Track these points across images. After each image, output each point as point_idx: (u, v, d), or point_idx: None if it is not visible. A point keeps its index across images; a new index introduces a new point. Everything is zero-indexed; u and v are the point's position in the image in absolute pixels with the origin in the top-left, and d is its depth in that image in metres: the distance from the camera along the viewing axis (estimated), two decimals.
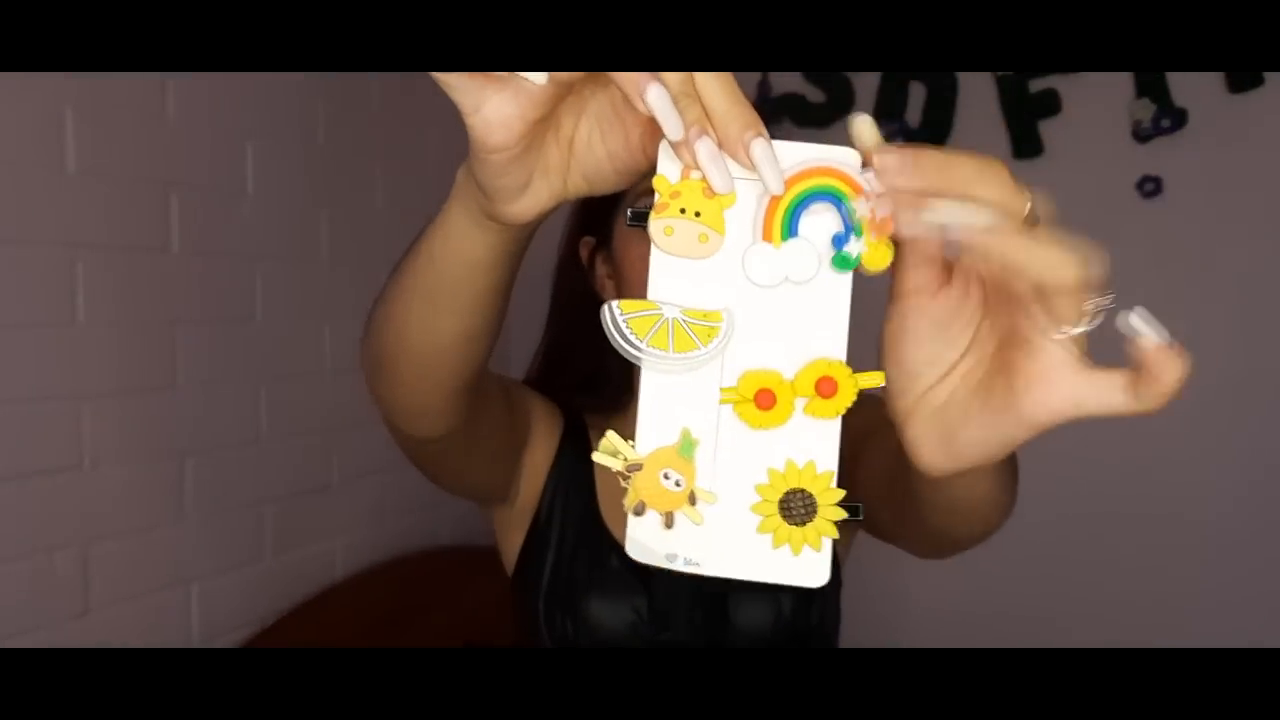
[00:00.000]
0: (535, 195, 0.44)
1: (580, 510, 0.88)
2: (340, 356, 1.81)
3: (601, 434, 0.91)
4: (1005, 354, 0.40)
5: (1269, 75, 1.79)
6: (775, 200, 0.37)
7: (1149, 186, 1.88)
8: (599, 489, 0.90)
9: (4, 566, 1.28)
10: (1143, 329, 0.38)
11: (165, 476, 1.50)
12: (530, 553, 0.89)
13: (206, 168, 1.56)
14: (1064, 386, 0.39)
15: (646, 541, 0.40)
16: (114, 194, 1.41)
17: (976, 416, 0.40)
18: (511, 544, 0.91)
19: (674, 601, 0.85)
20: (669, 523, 0.40)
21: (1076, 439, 1.98)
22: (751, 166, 0.37)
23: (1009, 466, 0.55)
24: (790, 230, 0.38)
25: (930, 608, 2.00)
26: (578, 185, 0.45)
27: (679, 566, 0.40)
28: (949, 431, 0.41)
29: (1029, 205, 0.39)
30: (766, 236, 0.38)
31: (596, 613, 0.84)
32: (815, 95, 2.08)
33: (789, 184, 0.37)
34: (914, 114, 2.02)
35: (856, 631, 1.03)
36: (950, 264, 0.40)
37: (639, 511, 0.40)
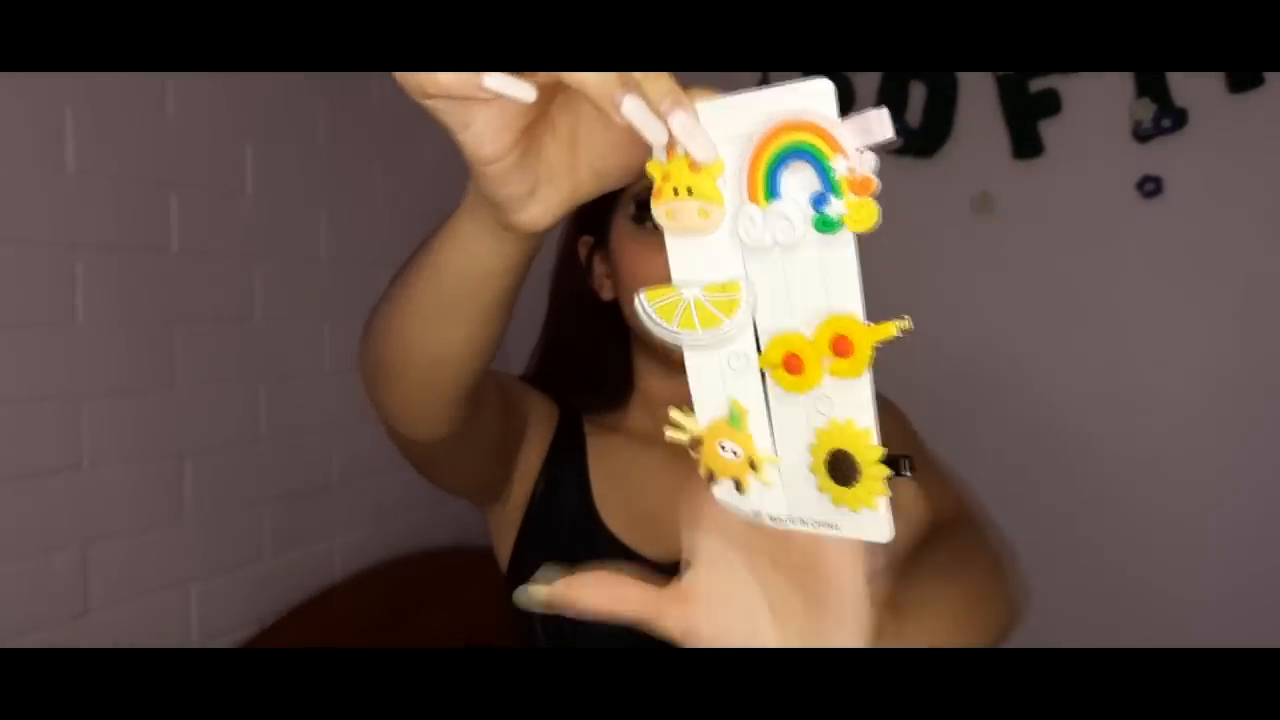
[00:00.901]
0: (544, 201, 0.44)
1: (574, 507, 0.88)
2: (340, 356, 1.81)
3: (600, 431, 0.91)
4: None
5: (1269, 75, 1.79)
6: (755, 161, 0.36)
7: (1149, 186, 1.88)
8: (594, 485, 0.89)
9: (4, 566, 1.28)
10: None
11: (165, 476, 1.50)
12: (523, 551, 0.88)
13: (206, 167, 1.56)
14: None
15: (733, 502, 0.41)
16: (114, 194, 1.41)
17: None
18: (505, 543, 0.91)
19: None
20: (742, 488, 0.40)
21: (1077, 439, 1.98)
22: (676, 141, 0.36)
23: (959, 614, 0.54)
24: (772, 190, 0.36)
25: None
26: (588, 183, 0.44)
27: (766, 523, 0.41)
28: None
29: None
30: (752, 198, 0.37)
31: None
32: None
33: (764, 142, 0.36)
34: (914, 114, 2.02)
35: None
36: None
37: (712, 479, 0.41)
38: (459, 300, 0.54)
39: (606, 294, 0.91)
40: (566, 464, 0.89)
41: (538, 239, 0.49)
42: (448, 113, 0.39)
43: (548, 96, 0.40)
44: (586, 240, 0.93)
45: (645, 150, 0.39)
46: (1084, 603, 1.94)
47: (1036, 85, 1.93)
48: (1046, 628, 1.87)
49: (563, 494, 0.88)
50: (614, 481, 0.88)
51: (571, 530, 0.87)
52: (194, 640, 1.54)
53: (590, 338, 0.94)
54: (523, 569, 0.88)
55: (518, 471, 0.88)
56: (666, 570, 0.83)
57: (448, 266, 0.52)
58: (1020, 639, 2.04)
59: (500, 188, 0.42)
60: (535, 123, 0.41)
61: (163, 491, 1.49)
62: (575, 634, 0.84)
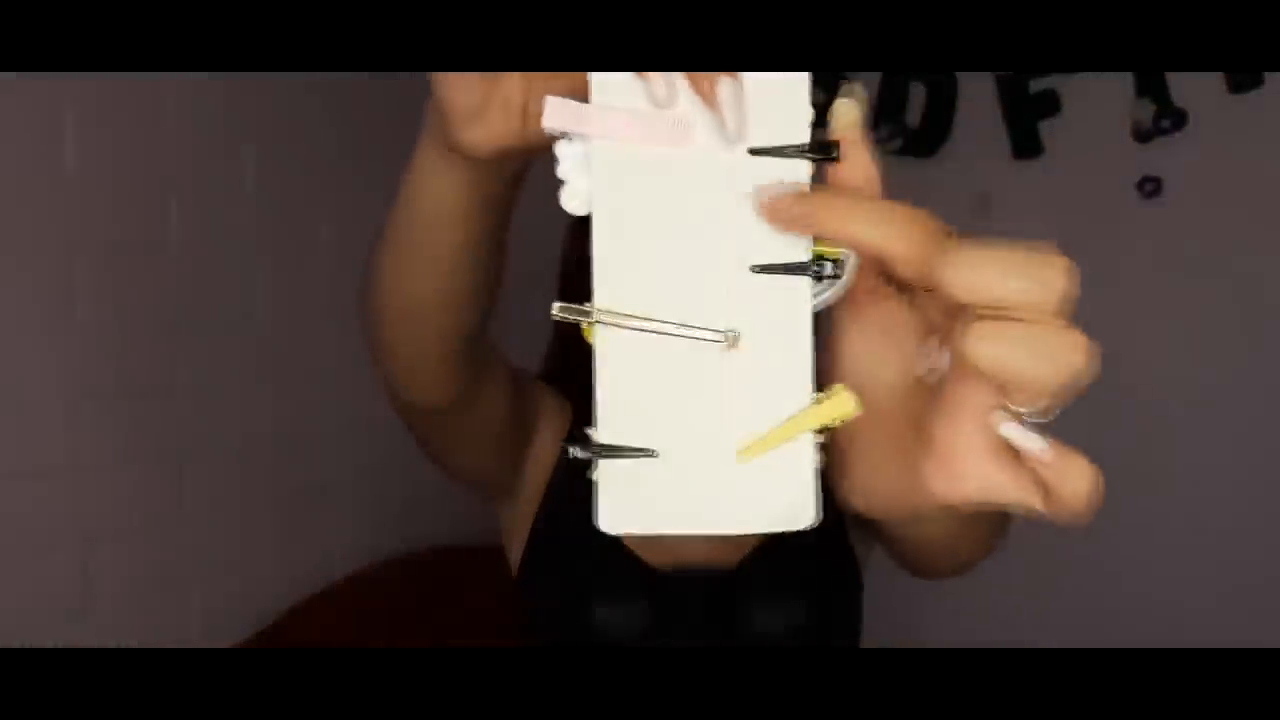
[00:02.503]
0: (490, 126, 0.43)
1: (587, 509, 0.87)
2: (340, 357, 1.81)
3: None
4: (930, 410, 0.35)
5: (1269, 75, 1.79)
6: None
7: (1149, 187, 1.88)
8: None
9: (4, 566, 1.28)
10: (1017, 440, 0.32)
11: (165, 476, 1.50)
12: (534, 552, 0.88)
13: (206, 168, 1.56)
14: (977, 472, 0.34)
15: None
16: (113, 194, 1.41)
17: (887, 468, 0.37)
18: (517, 542, 0.90)
19: (680, 606, 0.83)
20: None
21: (1076, 439, 1.98)
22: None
23: (970, 523, 0.51)
24: None
25: (954, 610, 1.99)
26: (535, 128, 0.42)
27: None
28: (865, 474, 0.38)
29: (1061, 295, 0.30)
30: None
31: (600, 616, 0.82)
32: (815, 95, 2.08)
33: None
34: (914, 114, 2.02)
35: (880, 639, 1.01)
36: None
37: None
38: (425, 237, 0.53)
39: None
40: (580, 464, 0.88)
41: (491, 178, 0.49)
42: None
43: None
44: None
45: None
46: (1083, 602, 1.94)
47: (1036, 85, 1.93)
48: (1046, 628, 1.88)
49: (574, 494, 0.88)
50: None
51: (580, 531, 0.86)
52: (194, 640, 1.54)
53: None
54: (535, 569, 0.88)
55: (530, 469, 0.88)
56: (666, 578, 0.84)
57: (411, 197, 0.52)
58: (1020, 639, 2.05)
59: (456, 91, 0.42)
60: None
61: (163, 491, 1.49)
62: (582, 637, 0.83)
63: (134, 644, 1.43)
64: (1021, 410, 0.32)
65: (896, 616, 1.92)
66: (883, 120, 2.01)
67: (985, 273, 0.30)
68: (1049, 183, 1.94)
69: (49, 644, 1.32)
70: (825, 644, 0.84)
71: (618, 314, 0.35)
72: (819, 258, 0.35)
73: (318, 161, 1.78)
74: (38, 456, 1.32)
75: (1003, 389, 0.32)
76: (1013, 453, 0.33)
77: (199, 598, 1.55)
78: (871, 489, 0.38)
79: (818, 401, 0.35)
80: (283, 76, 1.67)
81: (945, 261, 0.31)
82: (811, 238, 0.35)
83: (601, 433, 0.36)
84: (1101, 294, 1.91)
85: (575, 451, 0.36)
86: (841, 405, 0.35)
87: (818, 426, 0.35)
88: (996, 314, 0.30)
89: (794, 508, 0.36)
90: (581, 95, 0.36)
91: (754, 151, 0.35)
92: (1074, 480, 0.32)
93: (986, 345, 0.30)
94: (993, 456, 0.33)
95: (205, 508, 1.55)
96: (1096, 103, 1.89)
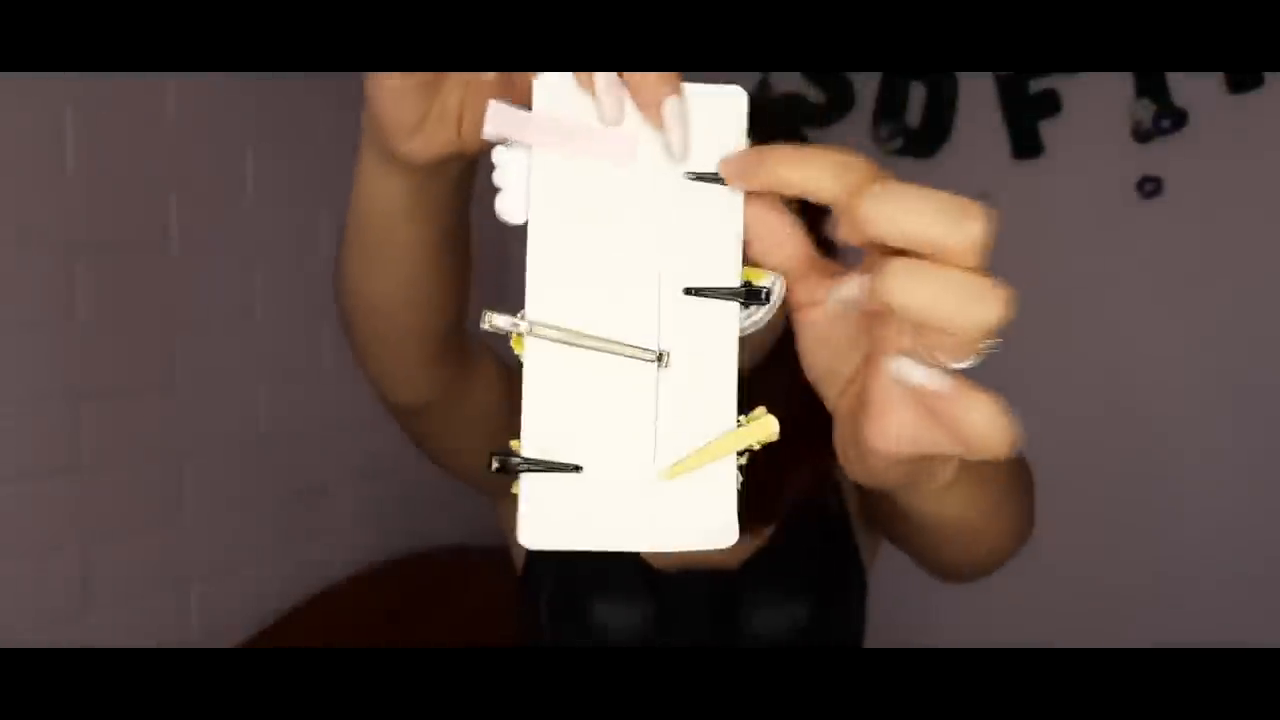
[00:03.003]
0: (428, 137, 0.43)
1: None
2: (340, 356, 1.81)
3: None
4: (867, 372, 0.36)
5: (1269, 76, 1.79)
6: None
7: (1149, 187, 1.88)
8: None
9: (4, 566, 1.28)
10: (912, 376, 0.33)
11: (165, 477, 1.50)
12: (536, 551, 0.88)
13: (206, 168, 1.56)
14: (901, 423, 0.35)
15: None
16: (114, 194, 1.41)
17: (849, 440, 0.38)
18: (518, 540, 0.90)
19: (681, 607, 0.83)
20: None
21: (1076, 439, 1.98)
22: (660, 125, 0.35)
23: (986, 497, 0.51)
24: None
25: (958, 611, 1.99)
26: (472, 135, 0.44)
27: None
28: (843, 449, 0.39)
29: (976, 241, 0.31)
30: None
31: (600, 616, 0.82)
32: (815, 95, 2.08)
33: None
34: (914, 114, 2.02)
35: (884, 641, 1.00)
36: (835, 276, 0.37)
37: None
38: (378, 239, 0.53)
39: None
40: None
41: (441, 183, 0.49)
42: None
43: None
44: None
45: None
46: (1083, 602, 1.94)
47: (1036, 86, 1.93)
48: (1046, 627, 1.88)
49: (489, 462, 0.86)
50: None
51: None
52: (194, 640, 1.54)
53: None
54: (537, 568, 0.88)
55: None
56: (667, 578, 0.83)
57: (360, 202, 0.52)
58: (1021, 638, 2.04)
59: (391, 107, 0.42)
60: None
61: (163, 491, 1.49)
62: (582, 636, 0.83)
63: (133, 644, 1.43)
64: (942, 360, 0.33)
65: (901, 618, 1.93)
66: (883, 120, 2.01)
67: (904, 207, 0.31)
68: (1049, 183, 1.94)
69: (49, 644, 1.31)
70: (828, 645, 0.84)
71: (549, 327, 0.35)
72: (747, 283, 0.36)
73: (318, 161, 1.78)
74: (38, 456, 1.32)
75: (921, 335, 0.32)
76: (933, 403, 0.33)
77: (199, 598, 1.55)
78: (847, 460, 0.39)
79: (742, 424, 0.36)
80: (283, 76, 1.66)
81: (868, 195, 0.31)
82: (740, 265, 0.36)
83: (526, 446, 0.36)
84: (1101, 294, 1.92)
85: (498, 463, 0.36)
86: (764, 428, 0.36)
87: (741, 448, 0.36)
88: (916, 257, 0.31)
89: (716, 527, 0.36)
90: (522, 103, 0.36)
91: (692, 176, 0.36)
92: (976, 412, 0.32)
93: (900, 280, 0.31)
94: (914, 407, 0.34)
95: (205, 508, 1.55)
96: (1096, 103, 1.89)
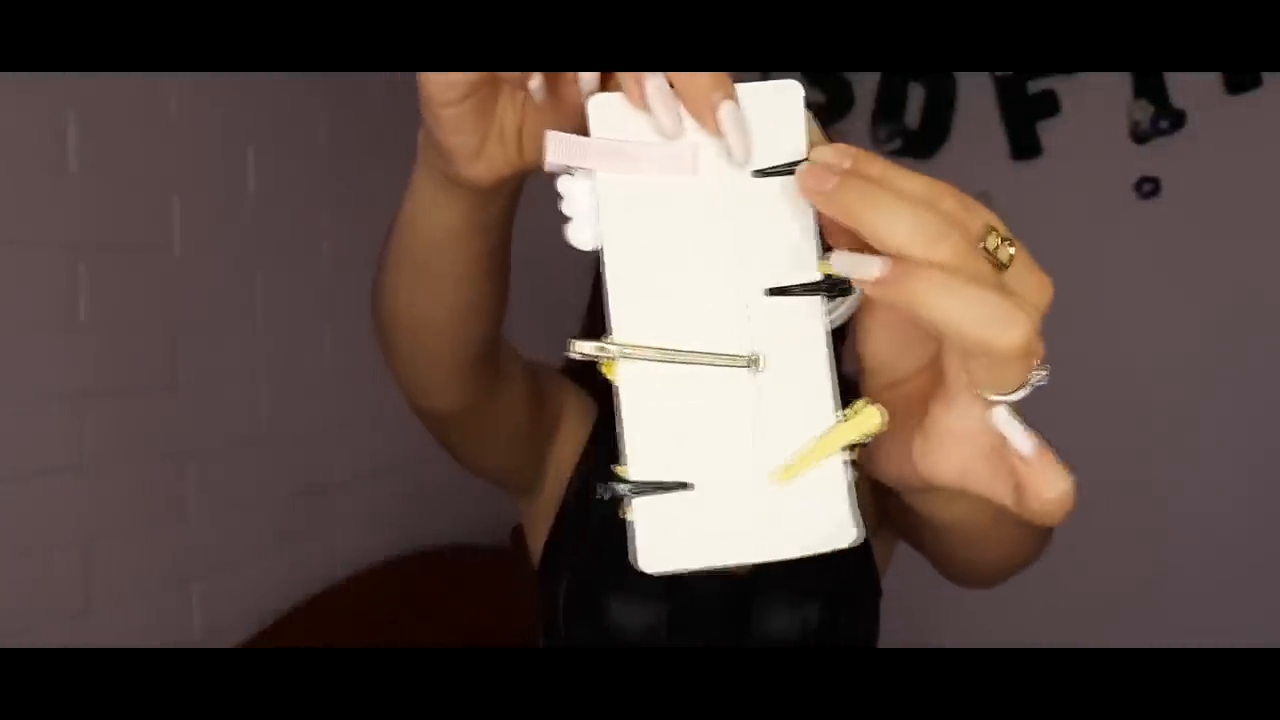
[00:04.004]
0: (490, 159, 0.43)
1: (607, 507, 0.87)
2: (341, 357, 1.81)
3: None
4: (935, 392, 0.36)
5: (1267, 76, 1.79)
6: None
7: (1147, 187, 1.88)
8: None
9: (5, 566, 1.28)
10: (1006, 429, 0.33)
11: (165, 476, 1.50)
12: (554, 548, 0.88)
13: (208, 168, 1.56)
14: (961, 457, 0.35)
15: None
16: (116, 194, 1.41)
17: (891, 440, 0.38)
18: (538, 537, 0.90)
19: (696, 608, 0.83)
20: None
21: (1075, 439, 1.98)
22: (718, 132, 0.34)
23: (995, 519, 0.51)
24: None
25: (970, 614, 1.99)
26: (533, 152, 0.44)
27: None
28: (883, 445, 0.39)
29: (983, 235, 0.32)
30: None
31: (616, 615, 0.82)
32: (815, 95, 2.08)
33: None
34: (913, 114, 2.02)
35: (897, 645, 0.99)
36: None
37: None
38: (429, 258, 0.53)
39: None
40: (602, 460, 0.88)
41: (491, 200, 0.49)
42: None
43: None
44: None
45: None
46: (1083, 602, 1.94)
47: (1035, 86, 1.94)
48: (1046, 627, 1.88)
49: (596, 490, 0.87)
50: None
51: (602, 528, 0.86)
52: (195, 640, 1.54)
53: None
54: (554, 564, 0.88)
55: (552, 465, 0.87)
56: (682, 578, 0.83)
57: (412, 223, 0.52)
58: (1021, 638, 2.05)
59: (451, 134, 0.42)
60: (494, 80, 0.41)
61: (164, 491, 1.49)
62: (597, 635, 0.83)
63: (134, 644, 1.43)
64: (990, 392, 0.33)
65: (913, 622, 1.93)
66: (882, 120, 2.01)
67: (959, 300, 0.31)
68: (1047, 183, 1.94)
69: (49, 644, 1.32)
70: (840, 647, 0.84)
71: (639, 347, 0.35)
72: (828, 276, 0.35)
73: (318, 161, 1.78)
74: (38, 456, 1.32)
75: (961, 356, 0.32)
76: (998, 447, 0.34)
77: (199, 598, 1.55)
78: (875, 458, 0.39)
79: (844, 419, 0.35)
80: (283, 76, 1.67)
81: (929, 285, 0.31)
82: (818, 258, 0.35)
83: (633, 470, 0.35)
84: (1100, 293, 1.92)
85: (606, 491, 0.35)
86: (868, 420, 0.35)
87: (847, 444, 0.35)
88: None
89: (834, 527, 0.36)
90: (577, 123, 0.36)
91: (759, 173, 0.35)
92: (1050, 483, 0.33)
93: (927, 290, 0.31)
94: (977, 446, 0.34)
95: (205, 507, 1.55)
96: (1095, 103, 1.90)
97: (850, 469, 0.36)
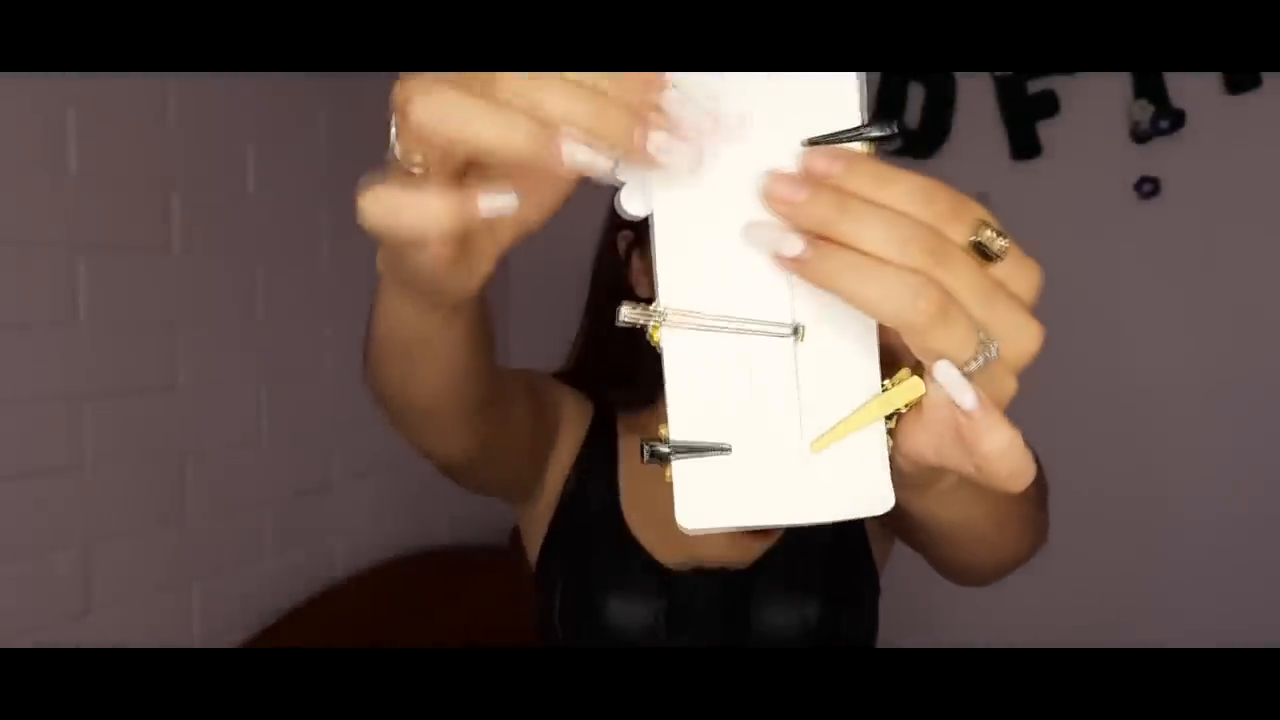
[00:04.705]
0: (472, 271, 0.40)
1: (602, 506, 0.87)
2: (341, 356, 1.81)
3: (633, 430, 0.91)
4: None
5: (1267, 76, 1.79)
6: None
7: (1147, 187, 1.88)
8: (623, 485, 0.88)
9: (5, 566, 1.28)
10: (946, 382, 0.33)
11: (165, 477, 1.50)
12: (551, 548, 0.88)
13: (207, 168, 1.56)
14: (933, 434, 0.36)
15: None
16: (115, 194, 1.41)
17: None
18: (535, 538, 0.90)
19: (693, 606, 0.83)
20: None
21: (1075, 439, 1.97)
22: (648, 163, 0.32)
23: (991, 505, 0.51)
24: None
25: (971, 612, 1.99)
26: (510, 233, 0.40)
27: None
28: None
29: (976, 230, 0.33)
30: None
31: (613, 613, 0.83)
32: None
33: None
34: (913, 114, 2.02)
35: (896, 643, 0.99)
36: None
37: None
38: (411, 351, 0.52)
39: (643, 290, 0.89)
40: (598, 462, 0.89)
41: (476, 295, 0.45)
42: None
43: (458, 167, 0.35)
44: (626, 235, 0.92)
45: (559, 189, 0.37)
46: (1083, 602, 1.94)
47: (1034, 86, 1.93)
48: (1045, 627, 1.88)
49: (592, 492, 0.88)
50: (642, 482, 0.88)
51: (597, 529, 0.86)
52: (195, 640, 1.54)
53: (626, 334, 0.93)
54: (551, 564, 0.88)
55: (550, 468, 0.88)
56: (680, 578, 0.84)
57: (386, 328, 0.50)
58: (1021, 638, 2.04)
59: (431, 274, 0.38)
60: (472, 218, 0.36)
61: (164, 491, 1.49)
62: (594, 633, 0.83)
63: (134, 644, 1.43)
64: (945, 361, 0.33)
65: (914, 619, 1.93)
66: (882, 120, 2.01)
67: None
68: (1047, 183, 1.94)
69: (49, 644, 1.32)
70: (839, 646, 0.84)
71: (684, 313, 0.35)
72: None
73: (318, 161, 1.78)
74: (38, 456, 1.32)
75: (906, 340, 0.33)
76: (969, 417, 0.34)
77: (199, 598, 1.55)
78: None
79: (886, 388, 0.36)
80: (283, 76, 1.67)
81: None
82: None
83: (675, 431, 0.36)
84: (1099, 294, 1.92)
85: (652, 449, 0.35)
86: (911, 390, 0.35)
87: (889, 413, 0.36)
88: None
89: (870, 494, 0.36)
90: (557, 190, 0.35)
91: (809, 142, 0.35)
92: (989, 435, 0.33)
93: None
94: (947, 422, 0.35)
95: (206, 508, 1.55)
96: (1095, 103, 1.89)
97: (889, 438, 0.36)
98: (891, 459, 0.36)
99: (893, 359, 0.36)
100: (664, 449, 0.36)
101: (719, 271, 0.36)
